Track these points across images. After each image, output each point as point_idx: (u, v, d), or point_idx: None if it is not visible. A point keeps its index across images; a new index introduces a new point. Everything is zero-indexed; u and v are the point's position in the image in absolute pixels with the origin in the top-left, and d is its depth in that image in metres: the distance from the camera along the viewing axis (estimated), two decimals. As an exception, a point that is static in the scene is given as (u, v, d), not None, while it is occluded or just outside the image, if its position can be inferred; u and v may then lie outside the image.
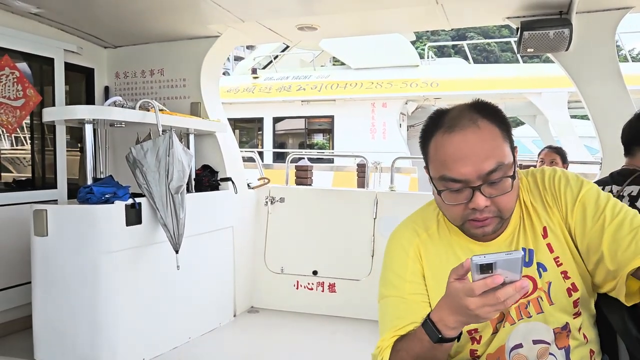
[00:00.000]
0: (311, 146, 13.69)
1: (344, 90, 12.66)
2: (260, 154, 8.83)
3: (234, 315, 3.99)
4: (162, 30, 3.91)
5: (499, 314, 0.94)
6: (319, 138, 14.08)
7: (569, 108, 11.33)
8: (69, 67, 3.99)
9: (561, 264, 1.17)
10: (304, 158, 9.30)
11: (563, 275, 1.16)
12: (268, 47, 14.73)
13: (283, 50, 14.96)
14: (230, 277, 3.94)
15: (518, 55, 13.16)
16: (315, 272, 4.11)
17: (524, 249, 1.18)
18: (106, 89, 4.35)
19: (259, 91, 13.49)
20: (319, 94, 12.84)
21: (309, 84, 13.10)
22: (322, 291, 4.08)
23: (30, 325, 2.96)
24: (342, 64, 14.08)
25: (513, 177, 1.09)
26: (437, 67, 13.92)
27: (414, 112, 13.45)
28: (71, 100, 4.27)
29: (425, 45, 17.66)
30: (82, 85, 4.30)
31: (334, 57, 15.25)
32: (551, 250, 1.17)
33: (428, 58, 15.09)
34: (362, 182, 9.01)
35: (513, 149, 1.14)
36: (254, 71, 14.25)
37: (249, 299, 4.22)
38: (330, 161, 12.14)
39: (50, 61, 3.85)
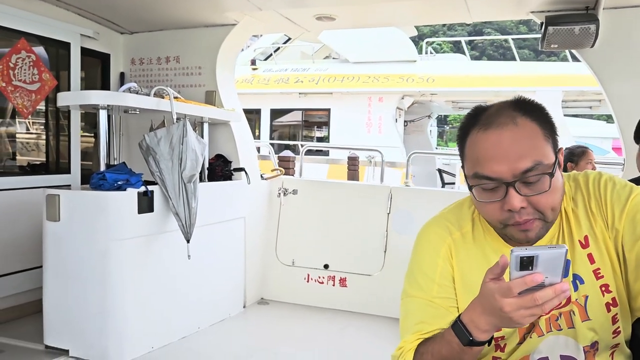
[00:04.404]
0: (311, 138, 13.66)
1: (341, 83, 12.59)
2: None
3: (244, 307, 3.97)
4: (179, 17, 3.88)
5: (534, 319, 0.88)
6: (316, 130, 14.03)
7: (562, 107, 11.20)
8: (85, 52, 3.98)
9: (602, 277, 1.08)
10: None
11: (604, 288, 1.08)
12: (269, 38, 14.67)
13: (284, 43, 14.91)
14: (240, 268, 3.92)
15: (515, 53, 13.12)
16: (326, 266, 4.08)
17: None
18: (121, 75, 4.33)
19: (257, 82, 13.46)
20: (317, 86, 12.77)
21: (306, 77, 13.04)
22: (333, 285, 4.05)
23: (41, 308, 2.96)
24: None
25: (552, 175, 1.01)
26: (434, 62, 13.78)
27: (410, 107, 13.37)
28: (86, 85, 4.26)
29: (433, 40, 17.41)
30: (97, 70, 4.28)
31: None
32: (592, 261, 1.08)
33: (427, 53, 14.99)
34: (352, 175, 9.03)
35: (556, 149, 1.06)
36: (253, 62, 14.20)
37: (259, 290, 4.20)
38: (326, 154, 12.12)
39: (66, 46, 3.83)
